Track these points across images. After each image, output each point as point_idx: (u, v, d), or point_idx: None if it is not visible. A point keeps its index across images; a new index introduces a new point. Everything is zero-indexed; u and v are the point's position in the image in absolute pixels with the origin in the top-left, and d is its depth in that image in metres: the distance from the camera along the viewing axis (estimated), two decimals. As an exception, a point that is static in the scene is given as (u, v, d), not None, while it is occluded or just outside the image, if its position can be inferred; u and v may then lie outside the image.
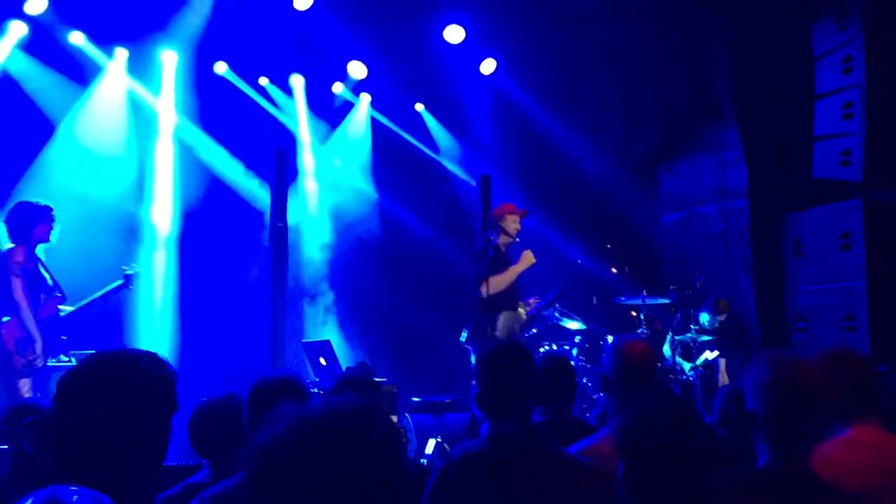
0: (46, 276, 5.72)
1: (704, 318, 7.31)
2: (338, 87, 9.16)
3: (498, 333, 6.38)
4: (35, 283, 5.61)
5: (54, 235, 5.78)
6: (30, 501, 1.34)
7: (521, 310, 6.75)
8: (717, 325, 7.31)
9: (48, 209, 5.77)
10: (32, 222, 5.65)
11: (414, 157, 9.61)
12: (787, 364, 2.27)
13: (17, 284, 5.43)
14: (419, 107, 9.58)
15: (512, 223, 6.83)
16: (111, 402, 1.59)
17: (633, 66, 8.66)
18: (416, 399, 6.66)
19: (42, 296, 5.65)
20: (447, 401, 6.49)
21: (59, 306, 5.78)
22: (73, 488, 1.27)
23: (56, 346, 5.64)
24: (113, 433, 1.57)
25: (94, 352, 1.75)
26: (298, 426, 1.30)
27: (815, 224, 6.99)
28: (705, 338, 7.08)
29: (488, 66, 8.79)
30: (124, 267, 6.20)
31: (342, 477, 1.27)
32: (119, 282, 6.09)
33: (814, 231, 6.99)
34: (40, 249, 5.76)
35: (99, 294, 6.03)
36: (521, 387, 2.61)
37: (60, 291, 5.77)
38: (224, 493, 2.35)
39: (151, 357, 1.71)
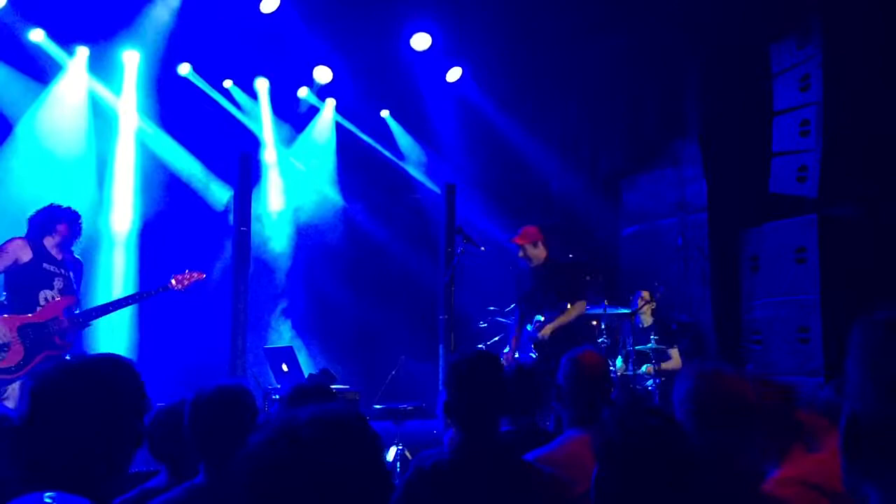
0: (60, 273, 5.43)
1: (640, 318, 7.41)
2: (303, 92, 9.12)
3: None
4: (32, 281, 5.32)
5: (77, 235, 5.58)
6: None
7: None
8: (643, 313, 7.37)
9: (71, 211, 5.57)
10: (50, 219, 5.45)
11: (379, 163, 9.61)
12: (708, 376, 2.31)
13: None
14: (384, 113, 9.58)
15: (544, 248, 6.68)
16: (81, 408, 1.58)
17: (601, 82, 8.76)
18: (377, 406, 6.64)
19: (45, 293, 5.35)
20: (409, 408, 6.48)
21: (70, 305, 5.46)
22: (51, 494, 1.24)
23: (44, 348, 5.25)
24: (84, 438, 1.56)
25: (62, 359, 1.74)
26: (285, 433, 1.31)
27: (771, 238, 7.12)
28: (662, 346, 7.15)
29: (454, 75, 8.83)
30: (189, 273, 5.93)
31: (328, 483, 1.28)
32: (163, 287, 5.83)
33: (770, 245, 7.13)
34: (76, 248, 5.61)
35: (132, 294, 5.83)
36: (491, 396, 2.59)
37: (72, 293, 5.47)
38: (172, 501, 2.32)
39: (118, 361, 1.71)
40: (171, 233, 8.00)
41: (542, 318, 6.51)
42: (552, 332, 6.38)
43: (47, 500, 1.21)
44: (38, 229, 5.44)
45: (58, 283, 5.42)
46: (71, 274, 5.53)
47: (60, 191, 7.33)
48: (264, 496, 1.28)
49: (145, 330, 7.74)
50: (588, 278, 8.42)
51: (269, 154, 9.12)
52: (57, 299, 5.39)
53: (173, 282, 5.79)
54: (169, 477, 2.72)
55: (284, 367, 6.39)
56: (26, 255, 5.32)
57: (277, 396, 6.14)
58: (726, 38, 7.47)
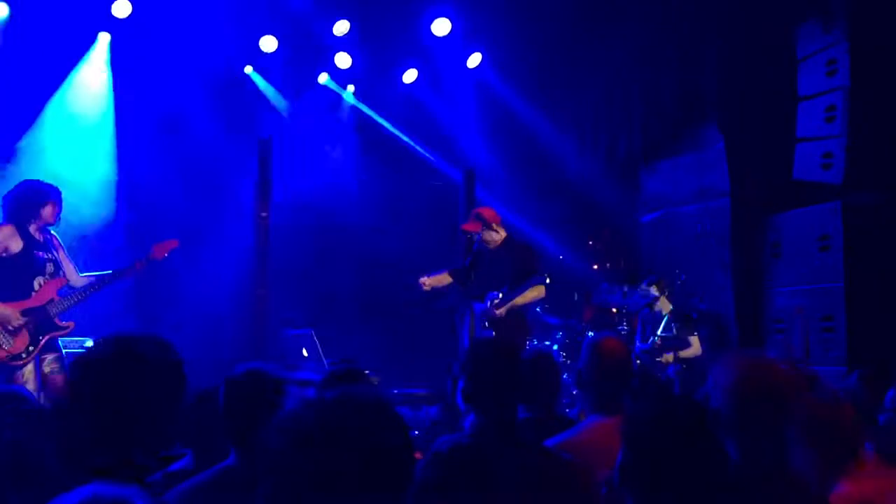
0: (48, 258, 5.26)
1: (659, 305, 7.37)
2: (323, 77, 9.11)
3: None
4: (24, 266, 5.16)
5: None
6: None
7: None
8: (658, 301, 7.32)
9: (55, 189, 5.32)
10: (36, 202, 5.21)
11: (398, 148, 9.59)
12: (751, 366, 2.29)
13: None
14: (404, 99, 9.54)
15: (502, 230, 6.38)
16: (126, 387, 1.60)
17: (619, 66, 8.69)
18: (395, 391, 6.67)
19: (38, 279, 5.19)
20: (425, 393, 6.50)
21: (66, 284, 5.33)
22: (98, 485, 1.24)
23: (47, 330, 5.17)
24: (127, 416, 1.58)
25: (102, 338, 1.76)
26: (313, 410, 1.33)
27: (794, 225, 7.05)
28: (683, 335, 7.12)
29: (474, 60, 8.79)
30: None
31: (354, 461, 1.30)
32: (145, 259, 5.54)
33: (793, 232, 7.06)
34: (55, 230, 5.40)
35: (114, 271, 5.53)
36: (509, 381, 2.59)
37: (61, 274, 5.31)
38: (199, 486, 2.34)
39: (159, 341, 1.74)
40: (192, 218, 8.02)
41: (500, 296, 6.11)
42: (507, 311, 6.01)
43: (96, 492, 1.21)
44: (23, 213, 5.20)
45: (49, 268, 5.28)
46: (55, 253, 5.36)
47: (84, 171, 7.43)
48: (290, 468, 1.30)
49: (167, 314, 7.79)
50: (608, 265, 8.39)
51: (288, 139, 9.12)
52: (48, 282, 5.26)
53: (153, 252, 5.60)
54: (195, 460, 2.74)
55: (304, 352, 6.43)
56: (17, 245, 5.13)
57: (298, 380, 6.17)
58: (750, 22, 7.38)
